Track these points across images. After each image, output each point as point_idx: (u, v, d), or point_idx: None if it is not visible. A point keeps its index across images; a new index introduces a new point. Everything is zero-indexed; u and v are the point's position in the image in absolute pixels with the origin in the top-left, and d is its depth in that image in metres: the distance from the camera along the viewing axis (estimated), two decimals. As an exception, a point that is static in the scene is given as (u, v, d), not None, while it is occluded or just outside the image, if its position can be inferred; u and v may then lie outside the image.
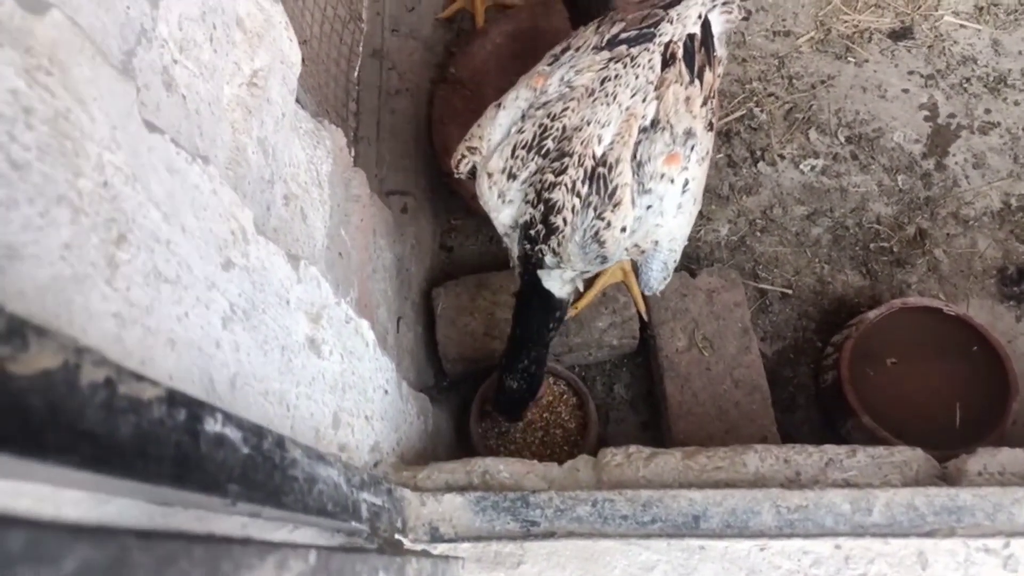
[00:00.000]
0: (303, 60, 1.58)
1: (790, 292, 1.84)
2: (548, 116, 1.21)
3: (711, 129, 1.28)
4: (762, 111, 2.02)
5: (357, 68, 1.96)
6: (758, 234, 1.90)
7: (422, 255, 1.89)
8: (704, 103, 1.25)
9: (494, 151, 1.25)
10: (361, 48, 1.98)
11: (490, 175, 1.24)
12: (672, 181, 1.22)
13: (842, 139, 1.98)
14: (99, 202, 0.48)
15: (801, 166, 1.95)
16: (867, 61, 2.05)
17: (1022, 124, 1.95)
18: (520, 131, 1.23)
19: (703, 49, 1.25)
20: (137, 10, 0.75)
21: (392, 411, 1.21)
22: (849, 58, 2.06)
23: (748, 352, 1.65)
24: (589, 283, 1.72)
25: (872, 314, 1.63)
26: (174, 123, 0.73)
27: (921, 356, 1.63)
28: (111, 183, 0.49)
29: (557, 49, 1.31)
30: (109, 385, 0.35)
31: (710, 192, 1.95)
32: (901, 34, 2.07)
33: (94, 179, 0.48)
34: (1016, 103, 1.98)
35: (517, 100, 1.26)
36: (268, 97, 1.08)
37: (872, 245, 1.86)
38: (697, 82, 1.24)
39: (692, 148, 1.23)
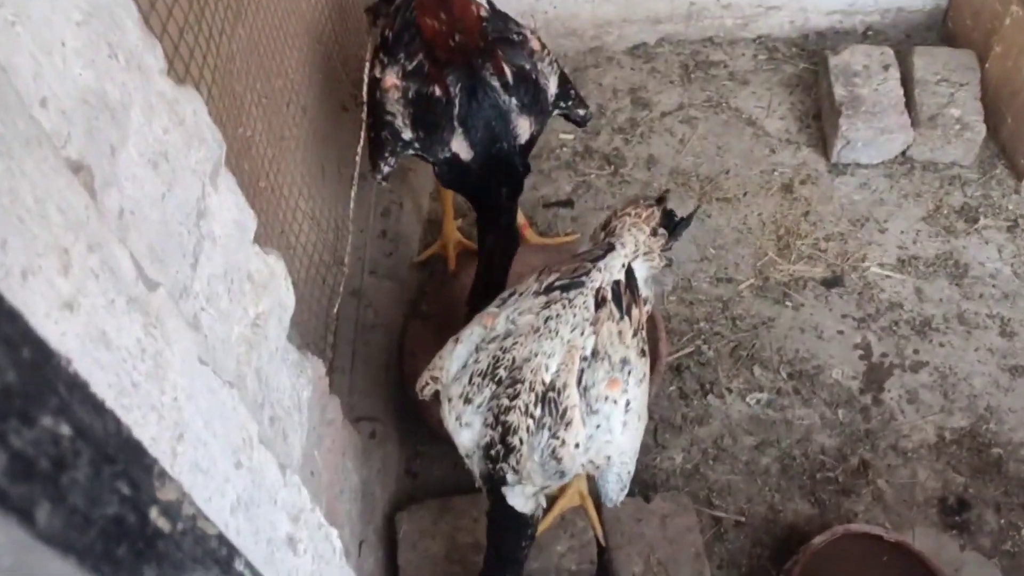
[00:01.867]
0: None
1: (743, 520, 2.07)
2: (500, 349, 1.54)
3: (644, 355, 1.60)
4: (709, 348, 2.38)
5: (336, 305, 2.32)
6: (711, 463, 2.16)
7: (387, 480, 2.12)
8: (635, 334, 1.59)
9: (453, 379, 1.56)
10: (341, 288, 2.36)
11: (450, 400, 1.55)
12: (615, 402, 1.53)
13: (784, 375, 2.32)
14: (171, 411, 0.77)
15: (747, 399, 2.27)
16: (803, 305, 2.46)
17: (948, 364, 2.32)
18: (476, 361, 1.55)
19: (628, 291, 1.62)
20: (183, 273, 1.09)
21: (353, 623, 1.39)
22: (787, 303, 2.47)
23: (701, 577, 1.85)
24: (548, 507, 1.95)
25: (817, 540, 1.86)
26: (214, 364, 1.04)
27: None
28: (179, 399, 0.79)
29: (505, 294, 1.67)
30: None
31: (664, 423, 2.24)
32: (833, 282, 2.51)
33: (170, 395, 0.77)
34: (941, 344, 2.36)
35: (472, 335, 1.60)
36: (267, 335, 1.40)
37: (818, 475, 2.13)
38: (627, 318, 1.59)
39: (629, 373, 1.55)
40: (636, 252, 1.67)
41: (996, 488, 2.09)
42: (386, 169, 2.01)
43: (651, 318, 2.14)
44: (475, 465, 1.57)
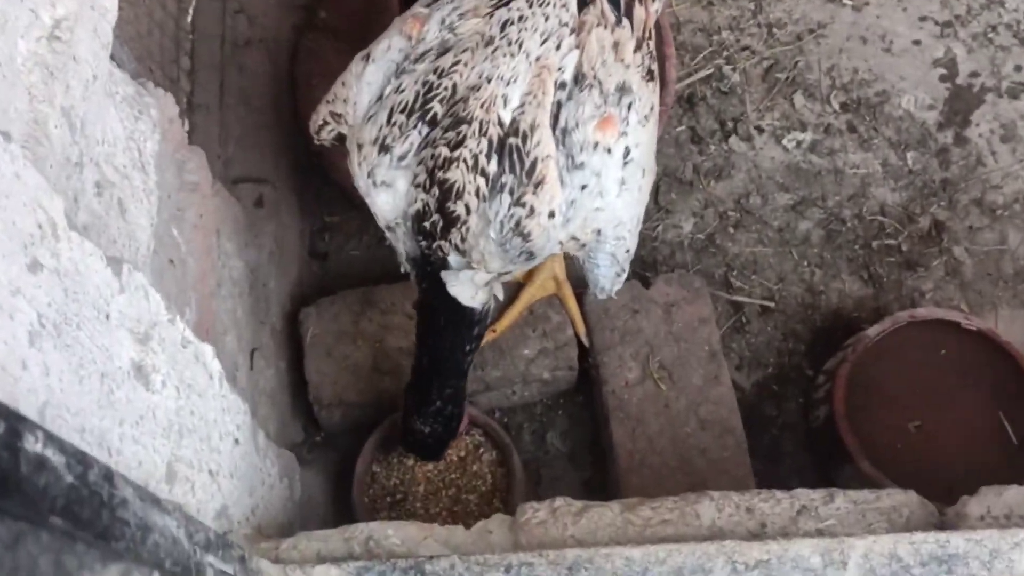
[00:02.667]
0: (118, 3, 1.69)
1: (772, 305, 2.04)
2: (434, 71, 1.36)
3: (651, 79, 1.46)
4: (734, 70, 2.24)
5: (191, 10, 2.07)
6: (731, 230, 2.10)
7: (285, 264, 2.02)
8: (638, 47, 1.43)
9: (365, 117, 1.39)
10: (197, -18, 2.10)
11: (360, 147, 1.39)
12: (609, 151, 1.39)
13: (836, 106, 2.21)
14: None
15: (784, 141, 2.18)
16: (868, 4, 2.30)
17: (1059, 89, 2.22)
18: (398, 90, 1.38)
19: None
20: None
21: (245, 467, 1.31)
22: (845, 0, 2.29)
23: (718, 383, 1.83)
24: (511, 296, 1.87)
25: (873, 331, 1.83)
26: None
27: (937, 382, 1.83)
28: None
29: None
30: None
31: (669, 177, 2.14)
32: (910, -30, 2.32)
33: None
34: (1051, 61, 2.24)
35: (389, 51, 1.42)
36: (75, 54, 1.18)
37: (875, 243, 2.09)
38: (626, 21, 1.42)
39: (630, 106, 1.40)
40: None
41: (1108, 256, 2.07)
42: None
43: (655, 23, 1.96)
44: (400, 242, 1.44)
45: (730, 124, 2.19)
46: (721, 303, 2.03)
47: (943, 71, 2.24)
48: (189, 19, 2.07)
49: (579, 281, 1.96)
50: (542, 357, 1.87)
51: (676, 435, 1.78)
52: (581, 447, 1.93)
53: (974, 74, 2.24)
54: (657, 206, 2.12)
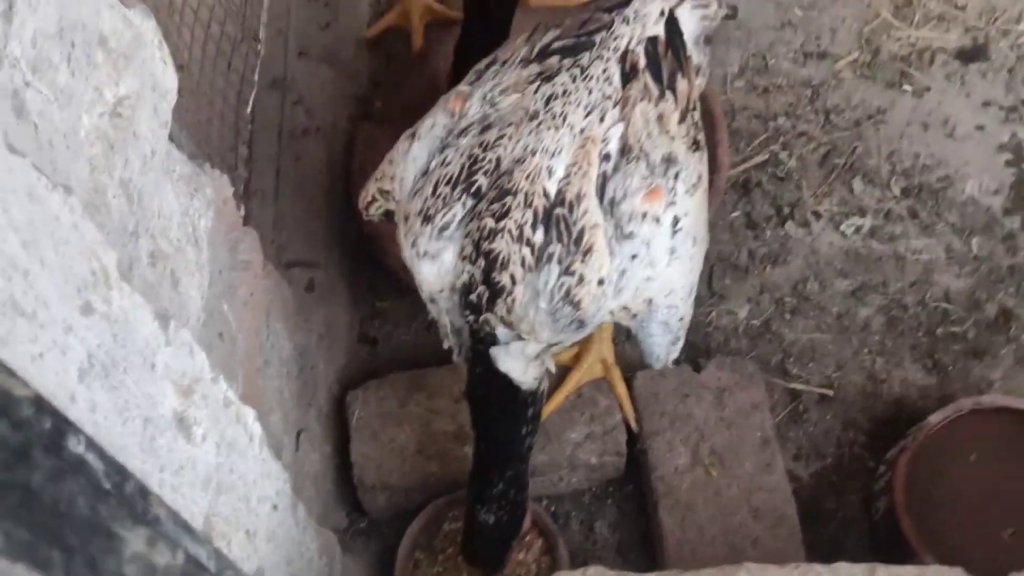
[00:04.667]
0: (179, 89, 1.85)
1: (831, 393, 2.08)
2: (479, 145, 1.47)
3: (697, 149, 1.55)
4: (791, 156, 2.33)
5: (251, 102, 2.24)
6: (787, 316, 2.16)
7: (334, 348, 2.12)
8: (682, 118, 1.52)
9: (411, 191, 1.51)
10: (257, 76, 2.27)
11: (407, 219, 1.50)
12: (658, 221, 1.47)
13: (897, 191, 2.28)
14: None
15: (843, 227, 2.25)
16: (929, 90, 2.39)
17: None
18: (442, 164, 1.49)
19: (670, 53, 1.53)
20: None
21: (283, 535, 1.40)
22: (905, 86, 2.40)
23: (771, 471, 1.87)
24: (558, 380, 1.94)
25: (935, 418, 1.86)
26: (38, 157, 0.97)
27: (1005, 472, 1.84)
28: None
29: (482, 64, 1.59)
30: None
31: (723, 262, 2.22)
32: (973, 54, 2.42)
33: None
34: (1123, 144, 2.29)
35: (434, 128, 1.54)
36: (135, 130, 1.33)
37: (940, 330, 2.14)
38: (669, 95, 1.51)
39: (677, 176, 1.49)
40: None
41: None
42: None
43: (707, 110, 2.06)
44: (444, 315, 1.54)
45: (786, 209, 2.27)
46: (777, 391, 2.08)
47: (1008, 156, 2.31)
48: (249, 110, 2.24)
49: (628, 365, 2.04)
50: (589, 442, 1.93)
51: (727, 524, 1.82)
52: (631, 538, 1.97)
53: (1042, 160, 2.30)
54: (711, 292, 2.19)
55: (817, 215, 2.26)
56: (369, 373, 2.11)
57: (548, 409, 1.93)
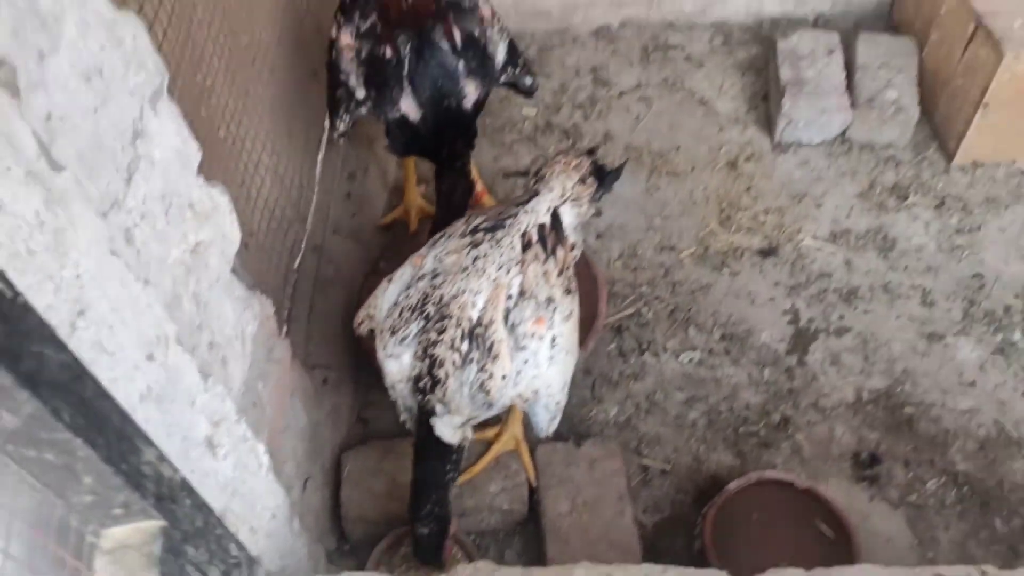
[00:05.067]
0: (247, 245, 1.95)
1: (669, 468, 2.13)
2: (430, 286, 1.59)
3: (570, 293, 1.66)
4: (649, 310, 2.43)
5: (298, 259, 2.35)
6: (643, 415, 2.23)
7: (338, 424, 2.17)
8: (560, 274, 1.64)
9: (385, 315, 1.61)
10: (304, 244, 2.39)
11: (381, 333, 1.59)
12: (541, 339, 1.58)
13: (717, 336, 2.38)
14: (72, 287, 0.81)
15: (681, 358, 2.33)
16: (739, 273, 2.52)
17: (871, 329, 2.38)
18: (407, 297, 1.60)
19: (553, 233, 1.66)
20: (115, 186, 1.12)
21: (279, 538, 1.43)
22: (724, 270, 2.53)
23: (623, 516, 1.91)
24: (484, 450, 2.00)
25: (732, 485, 1.92)
26: (131, 264, 1.07)
27: (777, 523, 1.89)
28: (82, 278, 0.82)
29: (436, 236, 1.71)
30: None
31: (602, 378, 2.30)
32: (768, 252, 2.57)
33: (71, 271, 0.81)
34: (865, 311, 2.42)
35: (403, 274, 1.65)
36: (207, 263, 1.43)
37: (742, 429, 2.20)
38: (552, 258, 1.63)
39: (555, 310, 1.60)
40: (563, 197, 1.71)
41: (906, 445, 2.15)
42: (341, 126, 2.05)
43: (593, 278, 2.19)
44: (399, 396, 1.61)
45: (645, 345, 2.36)
46: (634, 465, 2.12)
47: (790, 317, 2.42)
48: (296, 265, 2.35)
49: (532, 444, 2.10)
50: (503, 493, 1.97)
51: (592, 552, 1.83)
52: (529, 562, 1.97)
53: (811, 320, 2.41)
54: (593, 396, 2.26)
55: (665, 349, 2.35)
56: (361, 442, 2.15)
57: (476, 470, 1.99)
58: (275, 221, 2.26)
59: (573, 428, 2.18)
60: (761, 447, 2.16)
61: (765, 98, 2.99)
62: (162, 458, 0.84)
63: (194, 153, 1.39)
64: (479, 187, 2.55)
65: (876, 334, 2.37)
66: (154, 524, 0.76)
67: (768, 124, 2.91)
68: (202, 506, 0.91)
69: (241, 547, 1.02)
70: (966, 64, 2.68)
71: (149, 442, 0.90)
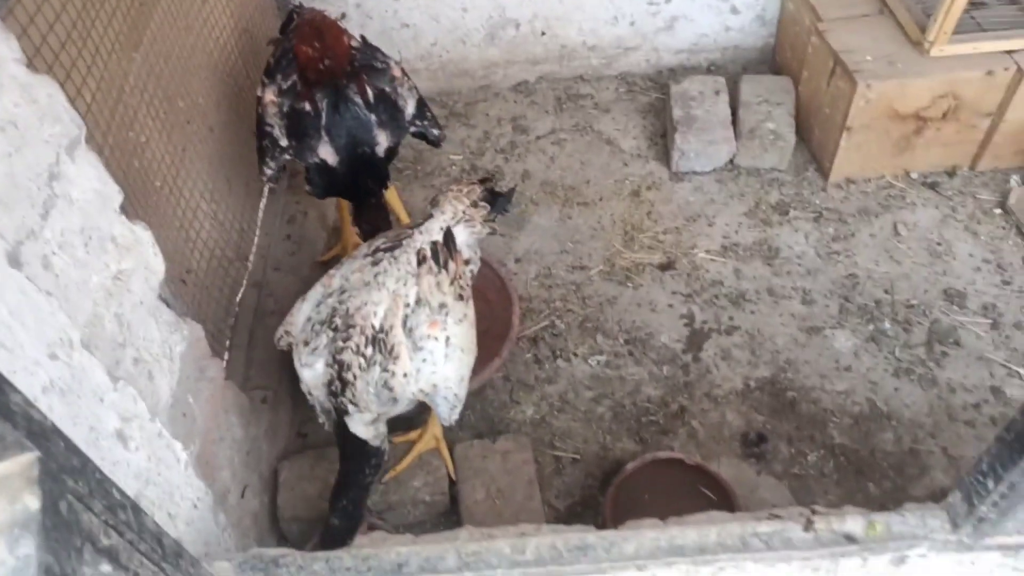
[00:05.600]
0: (184, 281, 2.03)
1: (578, 457, 2.20)
2: (338, 301, 1.68)
3: (461, 299, 1.74)
4: (562, 322, 2.53)
5: (239, 294, 2.44)
6: (556, 413, 2.30)
7: (277, 438, 2.22)
8: (452, 283, 1.73)
9: (300, 330, 1.69)
10: (245, 281, 2.48)
11: (296, 345, 1.67)
12: (436, 339, 1.66)
13: (622, 341, 2.48)
14: (-34, 288, 0.89)
15: (590, 361, 2.43)
16: (641, 286, 2.63)
17: (757, 327, 2.50)
18: (318, 313, 1.69)
19: (445, 248, 1.76)
20: (30, 219, 1.21)
21: (201, 526, 1.48)
22: (628, 284, 2.64)
23: (532, 500, 1.98)
24: (407, 449, 2.07)
25: (629, 466, 2.00)
26: (44, 283, 1.16)
27: (670, 496, 1.97)
28: (-25, 281, 0.91)
29: (343, 259, 1.81)
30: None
31: (519, 383, 2.38)
32: (667, 266, 2.69)
33: (-34, 277, 0.89)
34: (752, 312, 2.54)
35: (315, 292, 1.74)
36: (129, 288, 1.50)
37: (643, 419, 2.28)
38: (444, 271, 1.73)
39: (447, 314, 1.69)
40: (456, 218, 1.82)
41: (789, 424, 2.25)
42: (268, 172, 2.16)
43: (506, 296, 2.29)
44: (316, 401, 1.69)
45: (558, 352, 2.46)
46: (547, 457, 2.19)
47: (686, 321, 2.54)
48: (238, 299, 2.43)
49: (451, 441, 2.17)
50: (426, 487, 2.03)
51: (505, 534, 1.91)
52: (454, 550, 2.03)
53: (704, 322, 2.53)
54: (511, 400, 2.34)
55: (576, 355, 2.45)
56: (298, 453, 2.20)
57: (400, 468, 2.05)
58: (215, 260, 2.34)
59: (493, 428, 2.26)
60: (660, 434, 2.24)
61: (663, 136, 3.15)
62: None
63: (115, 195, 1.48)
64: (407, 221, 2.66)
65: (762, 331, 2.48)
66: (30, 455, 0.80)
67: (666, 157, 3.06)
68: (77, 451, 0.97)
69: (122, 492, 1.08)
70: (831, 95, 2.86)
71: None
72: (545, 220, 2.89)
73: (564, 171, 3.08)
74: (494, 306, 2.35)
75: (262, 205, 2.72)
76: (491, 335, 2.26)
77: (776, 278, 2.63)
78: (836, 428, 2.24)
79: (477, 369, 2.10)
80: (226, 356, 2.14)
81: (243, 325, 2.39)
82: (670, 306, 2.57)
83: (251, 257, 2.55)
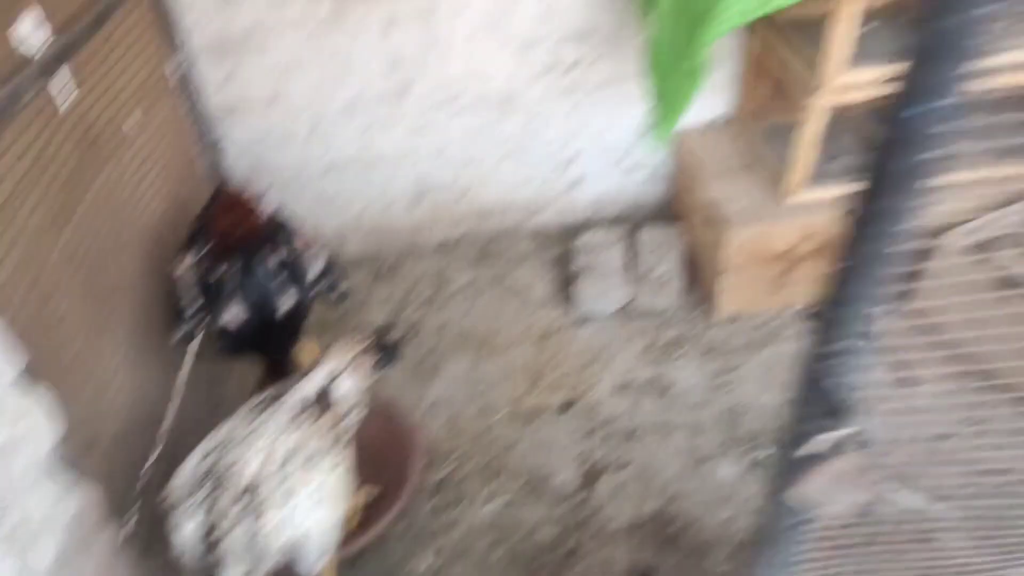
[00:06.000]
0: (90, 448, 2.14)
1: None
2: (218, 455, 1.82)
3: (337, 445, 1.86)
4: (465, 468, 2.64)
5: (151, 460, 2.53)
6: (454, 561, 2.36)
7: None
8: (330, 429, 1.86)
9: (183, 484, 1.83)
10: (159, 447, 2.58)
11: (172, 505, 1.80)
12: (308, 486, 1.79)
13: (522, 482, 2.57)
14: None
15: (490, 505, 2.51)
16: (543, 427, 2.78)
17: (648, 461, 2.62)
18: (200, 466, 1.82)
19: (324, 399, 1.92)
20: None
21: None
22: (531, 426, 2.78)
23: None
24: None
25: None
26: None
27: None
28: None
29: (235, 413, 1.96)
30: None
31: (422, 531, 2.47)
32: (567, 406, 2.85)
33: None
34: (643, 446, 2.69)
35: (200, 449, 1.87)
36: (16, 450, 1.65)
37: (538, 560, 2.34)
38: (321, 419, 1.88)
39: (322, 462, 1.81)
40: (340, 368, 2.00)
41: (674, 557, 2.33)
42: (182, 331, 2.38)
43: (408, 443, 2.43)
44: (189, 559, 1.78)
45: (460, 497, 2.55)
46: (442, 604, 2.25)
47: (582, 459, 2.65)
48: (147, 464, 2.53)
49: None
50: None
51: None
52: None
53: (599, 459, 2.65)
54: (411, 551, 2.41)
55: (476, 500, 2.55)
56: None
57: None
58: (129, 424, 2.45)
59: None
60: (553, 575, 2.31)
61: (569, 283, 3.43)
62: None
63: (9, 368, 1.67)
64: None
65: (652, 464, 2.61)
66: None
67: (571, 304, 3.32)
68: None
69: None
70: (710, 241, 3.17)
71: None
72: (458, 368, 3.08)
73: (478, 320, 3.31)
74: (395, 458, 2.46)
75: (186, 369, 2.89)
76: (392, 486, 2.37)
77: (667, 412, 2.80)
78: (721, 555, 2.33)
79: (374, 522, 2.22)
80: (132, 523, 2.22)
81: (154, 489, 2.48)
82: (567, 446, 2.71)
83: (166, 422, 2.69)
